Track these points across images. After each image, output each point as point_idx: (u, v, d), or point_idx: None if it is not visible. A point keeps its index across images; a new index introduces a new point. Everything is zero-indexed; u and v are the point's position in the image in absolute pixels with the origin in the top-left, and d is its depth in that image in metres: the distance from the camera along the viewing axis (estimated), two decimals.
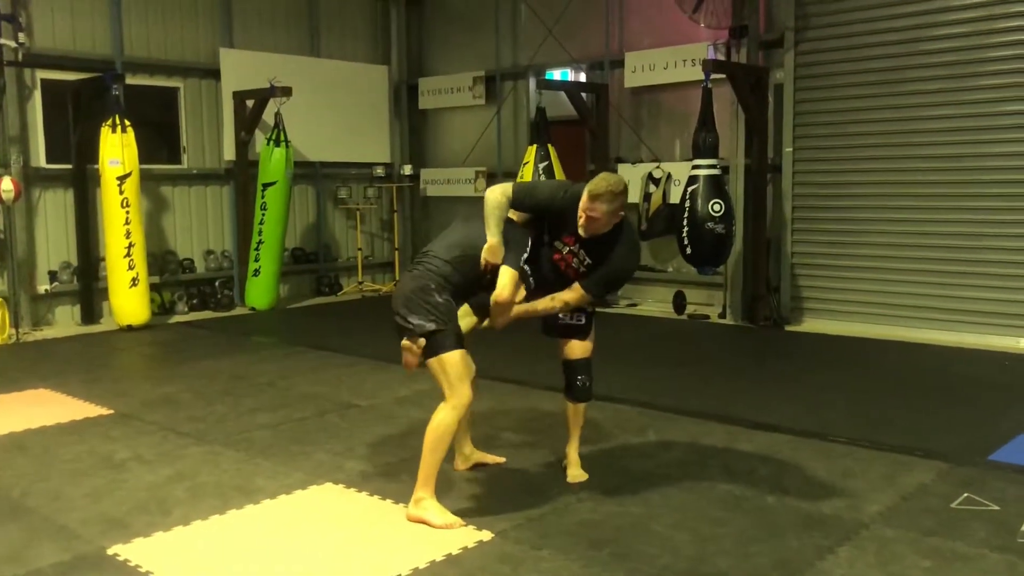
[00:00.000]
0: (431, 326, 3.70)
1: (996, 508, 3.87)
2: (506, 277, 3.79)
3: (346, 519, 3.88)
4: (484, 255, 3.81)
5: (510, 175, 10.26)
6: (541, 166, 9.15)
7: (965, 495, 4.02)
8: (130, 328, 8.67)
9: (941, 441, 4.85)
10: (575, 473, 4.29)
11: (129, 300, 8.63)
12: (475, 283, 3.89)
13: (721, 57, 8.81)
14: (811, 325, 8.56)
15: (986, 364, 6.93)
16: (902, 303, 8.14)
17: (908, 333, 7.96)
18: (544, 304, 4.00)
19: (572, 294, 3.97)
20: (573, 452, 4.35)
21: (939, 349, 7.48)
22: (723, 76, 8.30)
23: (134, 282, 8.60)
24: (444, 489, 4.11)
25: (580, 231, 3.87)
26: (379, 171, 11.48)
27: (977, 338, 7.61)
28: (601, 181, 3.82)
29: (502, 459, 4.57)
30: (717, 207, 7.88)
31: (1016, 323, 7.51)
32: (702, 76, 8.11)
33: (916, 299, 8.06)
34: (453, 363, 3.74)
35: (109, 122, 8.45)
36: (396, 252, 11.86)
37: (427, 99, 11.89)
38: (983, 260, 7.70)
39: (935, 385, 6.27)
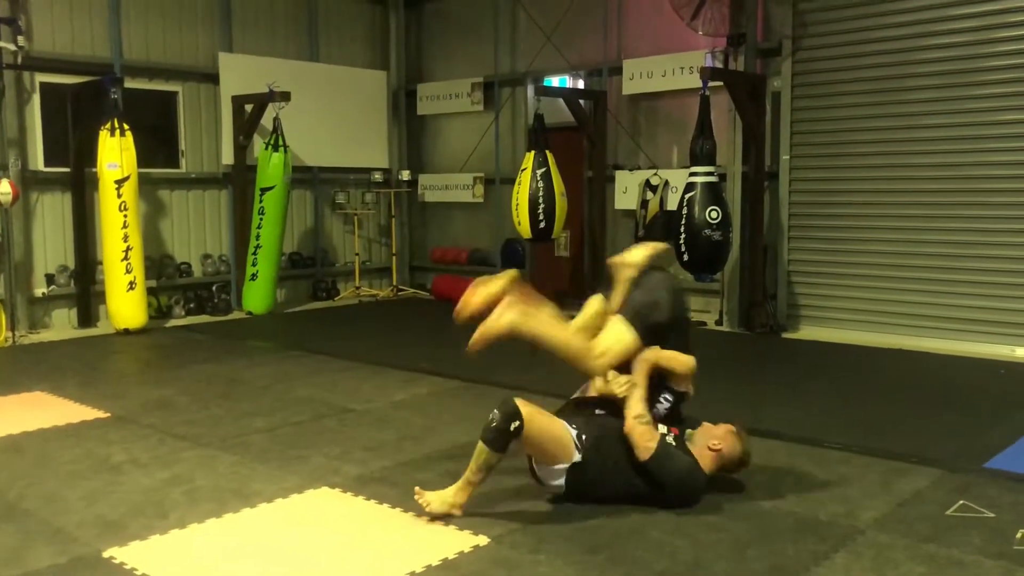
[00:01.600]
0: None
1: (991, 515, 3.88)
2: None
3: (342, 523, 3.89)
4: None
5: (508, 181, 10.27)
6: (539, 172, 9.17)
7: (960, 502, 4.03)
8: (127, 332, 8.67)
9: (937, 448, 4.87)
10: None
11: (126, 303, 8.62)
12: None
13: (719, 65, 8.83)
14: (807, 332, 8.58)
15: (982, 372, 6.94)
16: (898, 311, 8.16)
17: (904, 341, 7.98)
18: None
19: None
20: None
21: (935, 357, 7.50)
22: (721, 84, 8.32)
23: (131, 286, 8.60)
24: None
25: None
26: (377, 176, 11.48)
27: (973, 346, 7.63)
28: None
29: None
30: (714, 214, 7.90)
31: (1012, 331, 7.53)
32: (700, 83, 8.13)
33: (912, 307, 8.08)
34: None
35: (108, 125, 8.45)
36: (394, 257, 11.86)
37: (425, 105, 11.91)
38: (979, 268, 7.72)
39: (931, 392, 6.29)
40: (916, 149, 8.01)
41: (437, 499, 3.84)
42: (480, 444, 3.78)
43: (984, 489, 4.20)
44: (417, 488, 3.92)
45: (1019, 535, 3.65)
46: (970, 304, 7.75)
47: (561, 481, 3.93)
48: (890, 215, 8.20)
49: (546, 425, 3.83)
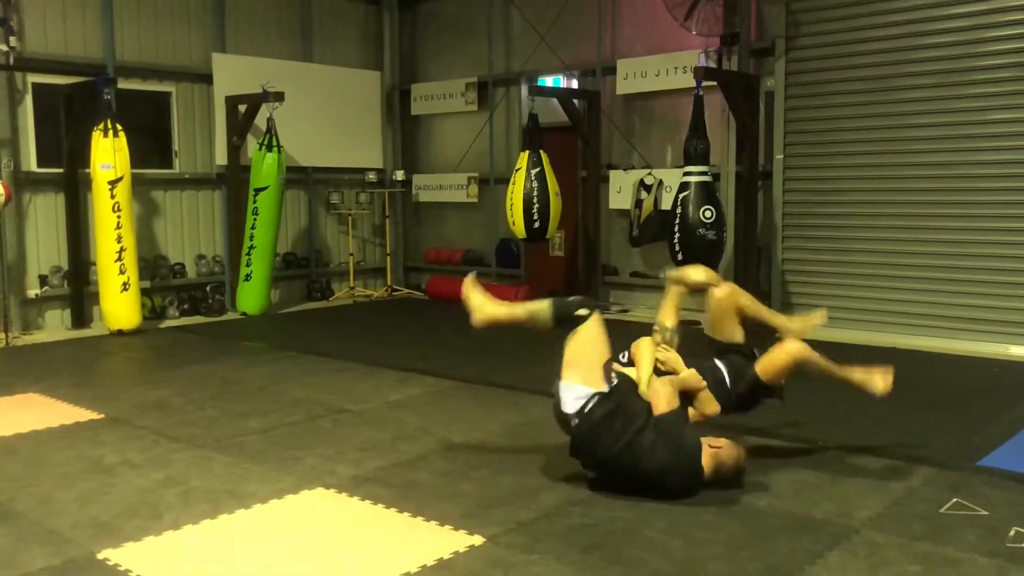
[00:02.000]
0: None
1: (985, 513, 3.89)
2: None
3: (337, 524, 3.88)
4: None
5: (502, 181, 10.28)
6: (533, 172, 9.17)
7: (954, 500, 4.04)
8: (121, 333, 8.65)
9: (931, 446, 4.88)
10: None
11: (120, 304, 8.60)
12: None
13: (712, 64, 8.84)
14: None
15: (976, 370, 6.96)
16: (892, 309, 8.18)
17: (898, 339, 7.99)
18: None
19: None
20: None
21: (929, 355, 7.50)
22: (714, 83, 8.33)
23: (125, 286, 8.58)
24: (439, 494, 4.12)
25: None
26: (371, 176, 11.47)
27: (967, 344, 7.65)
28: None
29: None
30: (708, 213, 7.90)
31: (1006, 329, 7.56)
32: (693, 83, 8.14)
33: (906, 305, 8.10)
34: None
35: (101, 126, 8.43)
36: (388, 258, 11.85)
37: (419, 104, 11.90)
38: (973, 267, 7.75)
39: (925, 391, 6.29)
40: (909, 148, 8.04)
41: (480, 297, 4.15)
42: (547, 304, 4.07)
43: (978, 487, 4.21)
44: (472, 276, 4.20)
45: (1012, 533, 3.66)
46: (964, 303, 7.78)
47: (577, 406, 4.05)
48: (883, 214, 8.22)
49: (598, 343, 4.09)
